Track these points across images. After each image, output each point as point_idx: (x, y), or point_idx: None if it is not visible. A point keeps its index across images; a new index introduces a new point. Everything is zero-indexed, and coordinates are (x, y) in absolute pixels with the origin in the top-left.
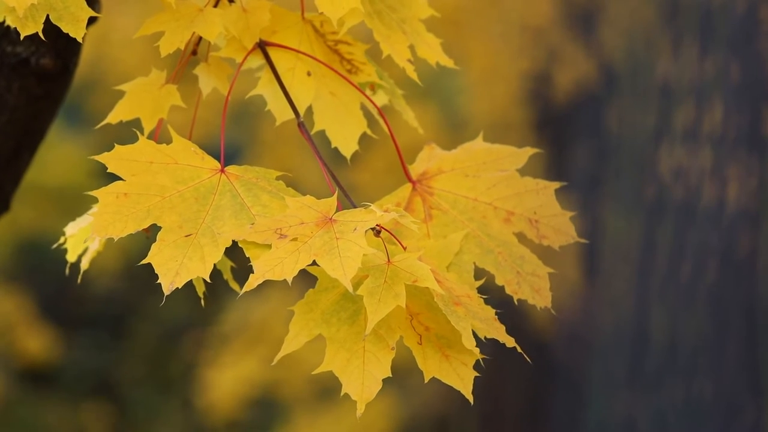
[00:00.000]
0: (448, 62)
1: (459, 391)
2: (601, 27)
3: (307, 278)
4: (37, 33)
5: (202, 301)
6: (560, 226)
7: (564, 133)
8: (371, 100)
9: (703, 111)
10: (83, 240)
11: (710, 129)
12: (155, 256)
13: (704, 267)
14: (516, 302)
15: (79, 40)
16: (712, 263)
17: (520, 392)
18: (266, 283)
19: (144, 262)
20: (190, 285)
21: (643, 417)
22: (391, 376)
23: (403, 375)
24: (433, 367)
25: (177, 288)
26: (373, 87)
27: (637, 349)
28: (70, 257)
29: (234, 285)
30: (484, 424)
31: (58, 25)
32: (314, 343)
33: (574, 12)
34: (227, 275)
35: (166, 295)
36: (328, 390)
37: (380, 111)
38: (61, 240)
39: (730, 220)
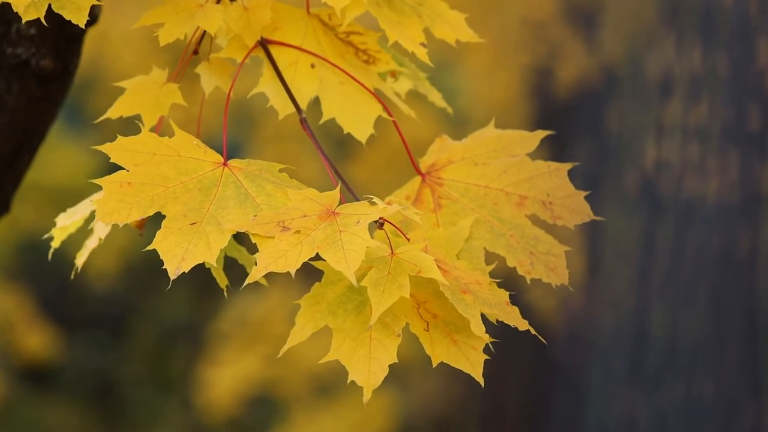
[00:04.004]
0: (472, 37)
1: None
2: (602, 24)
3: (307, 277)
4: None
5: (225, 293)
6: (575, 206)
7: (564, 133)
8: (375, 96)
9: (705, 110)
10: (69, 228)
11: (711, 129)
12: (160, 243)
13: (704, 267)
14: (529, 281)
15: (82, 26)
16: (712, 263)
17: (520, 392)
18: (266, 281)
19: (149, 248)
20: (190, 285)
21: (643, 417)
22: (395, 361)
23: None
24: (441, 352)
25: (183, 272)
26: (395, 74)
27: (637, 348)
28: (55, 243)
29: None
30: (484, 424)
31: (60, 13)
32: (314, 341)
33: (575, 8)
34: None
35: (172, 279)
36: (327, 388)
37: (386, 108)
38: (51, 232)
39: (730, 219)
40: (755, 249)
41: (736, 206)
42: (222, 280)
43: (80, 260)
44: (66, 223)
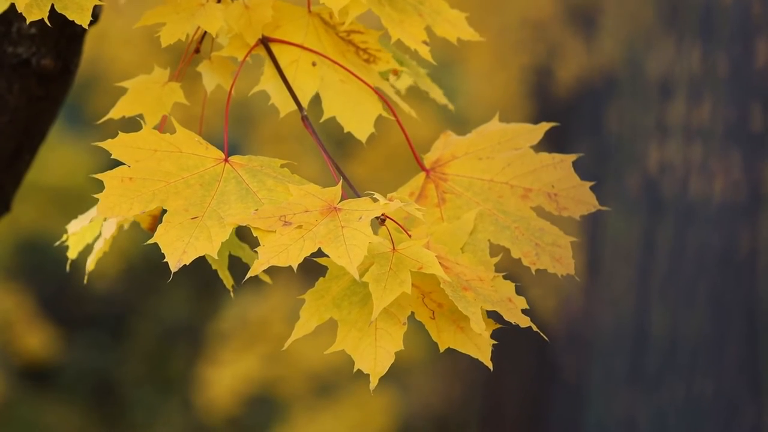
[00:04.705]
0: (473, 35)
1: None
2: (602, 24)
3: (306, 277)
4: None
5: (231, 293)
6: (581, 197)
7: (564, 133)
8: (378, 93)
9: (706, 111)
10: (85, 237)
11: (711, 128)
12: (162, 237)
13: (704, 267)
14: (534, 272)
15: (85, 26)
16: (712, 263)
17: (520, 392)
18: (265, 281)
19: (150, 242)
20: (190, 285)
21: (643, 417)
22: (401, 348)
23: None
24: (447, 338)
25: (185, 264)
26: (397, 72)
27: (638, 348)
28: (71, 254)
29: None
30: (484, 424)
31: (64, 13)
32: (315, 341)
33: (574, 8)
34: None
35: (173, 272)
36: (327, 388)
37: (389, 105)
38: (64, 238)
39: (730, 219)
40: (755, 249)
41: (737, 206)
42: (228, 280)
43: (90, 263)
44: (76, 229)
